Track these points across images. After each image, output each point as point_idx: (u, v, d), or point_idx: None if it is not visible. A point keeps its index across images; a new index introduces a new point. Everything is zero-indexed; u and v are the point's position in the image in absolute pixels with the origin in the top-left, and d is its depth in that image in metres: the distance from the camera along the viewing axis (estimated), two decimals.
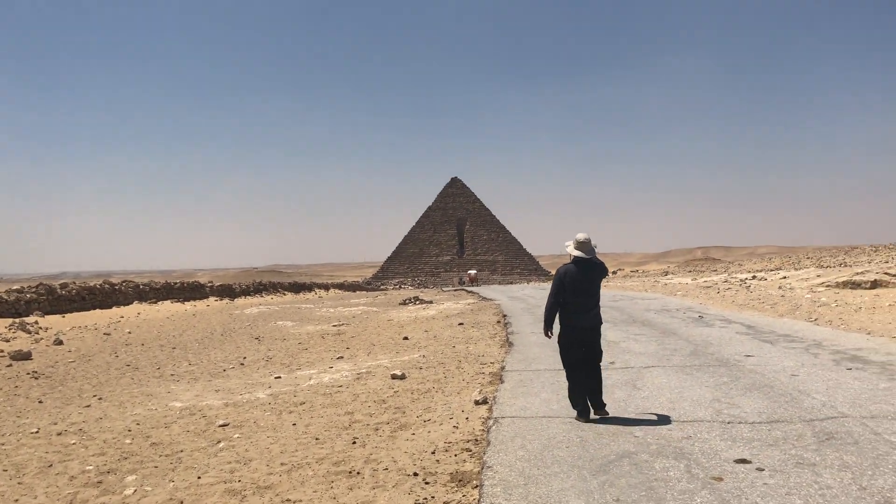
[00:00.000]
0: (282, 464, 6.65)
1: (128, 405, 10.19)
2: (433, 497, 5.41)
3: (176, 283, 44.17)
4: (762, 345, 12.09)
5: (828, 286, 22.45)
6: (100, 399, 10.84)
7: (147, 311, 32.10)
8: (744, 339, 13.04)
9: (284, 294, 58.53)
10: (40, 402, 10.80)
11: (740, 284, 30.00)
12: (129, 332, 22.30)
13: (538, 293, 38.85)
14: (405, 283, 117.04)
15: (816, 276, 26.53)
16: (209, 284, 49.45)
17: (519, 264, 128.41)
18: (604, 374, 9.64)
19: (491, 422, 7.41)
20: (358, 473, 6.16)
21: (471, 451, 6.56)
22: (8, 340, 18.88)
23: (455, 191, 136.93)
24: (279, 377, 12.12)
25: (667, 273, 63.58)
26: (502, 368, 10.95)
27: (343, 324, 23.29)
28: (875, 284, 20.87)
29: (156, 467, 6.79)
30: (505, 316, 21.84)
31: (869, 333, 13.03)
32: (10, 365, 14.88)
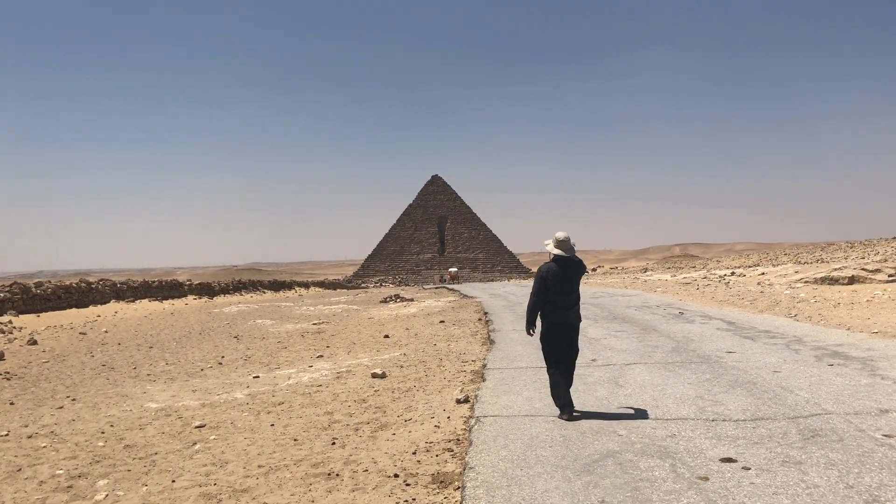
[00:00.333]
0: (259, 466, 6.49)
1: (102, 406, 9.96)
2: (414, 499, 5.28)
3: (154, 282, 43.58)
4: (743, 341, 12.08)
5: (806, 282, 22.61)
6: (73, 400, 10.59)
7: (124, 310, 31.64)
8: (725, 335, 13.03)
9: (264, 292, 58.04)
10: (11, 403, 10.53)
11: (719, 281, 30.17)
12: (106, 332, 21.93)
13: (519, 291, 38.82)
14: (386, 281, 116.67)
15: (794, 273, 26.72)
16: (188, 283, 48.84)
17: (500, 262, 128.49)
18: (586, 372, 9.63)
19: (473, 421, 7.29)
20: (337, 475, 6.02)
21: (452, 451, 6.44)
22: None
23: (436, 188, 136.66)
24: (258, 377, 11.92)
25: (646, 270, 63.89)
26: (484, 366, 10.84)
27: (323, 322, 23.08)
28: (852, 280, 21.04)
29: (129, 471, 6.60)
30: (486, 313, 21.74)
31: (848, 329, 13.08)
32: None
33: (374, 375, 10.85)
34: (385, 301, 34.76)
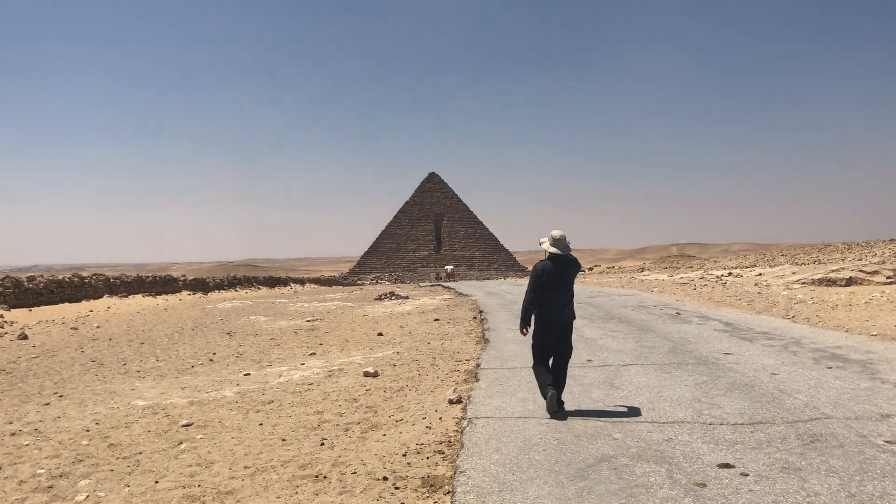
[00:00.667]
0: (245, 467, 6.32)
1: (89, 403, 9.78)
2: None
3: (148, 277, 43.34)
4: (741, 342, 11.95)
5: (804, 283, 22.50)
6: (60, 396, 10.42)
7: (117, 305, 31.44)
8: (722, 336, 12.89)
9: (259, 288, 57.83)
10: None
11: (717, 281, 30.06)
12: (98, 327, 21.73)
13: (515, 289, 38.68)
14: (382, 279, 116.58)
15: (792, 274, 26.61)
16: (182, 278, 48.62)
17: (496, 260, 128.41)
18: (581, 372, 9.48)
19: (465, 422, 7.14)
20: (325, 478, 5.86)
21: (444, 453, 6.28)
22: None
23: (433, 186, 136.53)
24: (248, 374, 11.75)
25: (643, 269, 63.82)
26: (478, 366, 10.69)
27: (317, 319, 22.90)
28: (850, 282, 20.93)
29: (112, 471, 6.42)
30: (481, 312, 21.59)
31: (847, 331, 12.96)
32: None
33: (367, 374, 10.69)
34: (380, 298, 34.61)
